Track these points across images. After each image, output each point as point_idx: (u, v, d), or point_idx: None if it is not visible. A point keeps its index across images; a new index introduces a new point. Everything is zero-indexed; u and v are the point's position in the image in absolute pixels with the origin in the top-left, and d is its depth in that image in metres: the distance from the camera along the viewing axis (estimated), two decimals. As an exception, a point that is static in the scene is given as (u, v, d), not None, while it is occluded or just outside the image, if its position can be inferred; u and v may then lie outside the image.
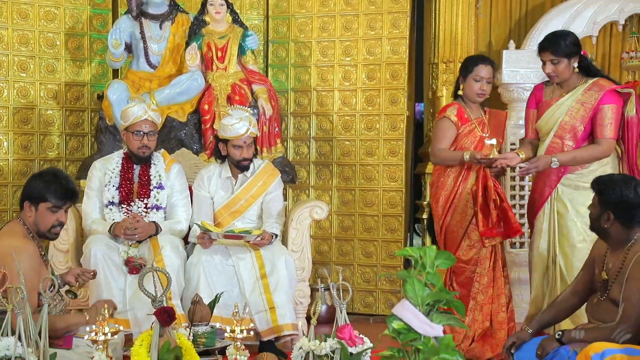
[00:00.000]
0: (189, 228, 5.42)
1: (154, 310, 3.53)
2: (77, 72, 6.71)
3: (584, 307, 4.24)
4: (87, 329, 3.62)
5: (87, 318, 3.97)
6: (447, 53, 6.76)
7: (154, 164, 5.40)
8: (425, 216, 7.31)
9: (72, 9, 6.65)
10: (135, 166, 5.39)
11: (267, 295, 5.16)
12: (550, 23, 6.65)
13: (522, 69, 6.55)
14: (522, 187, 6.60)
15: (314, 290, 5.64)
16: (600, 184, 3.93)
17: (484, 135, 5.23)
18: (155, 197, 5.33)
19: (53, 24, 6.59)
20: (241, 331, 3.73)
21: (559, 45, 4.88)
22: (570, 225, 4.92)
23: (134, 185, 5.35)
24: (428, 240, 7.34)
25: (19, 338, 3.27)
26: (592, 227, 4.02)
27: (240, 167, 5.45)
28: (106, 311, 3.61)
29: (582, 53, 4.97)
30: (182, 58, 6.30)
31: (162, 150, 5.61)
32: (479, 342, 5.17)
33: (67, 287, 4.39)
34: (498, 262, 5.25)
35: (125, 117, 5.36)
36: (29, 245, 4.02)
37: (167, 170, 5.42)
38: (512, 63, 6.58)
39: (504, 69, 6.62)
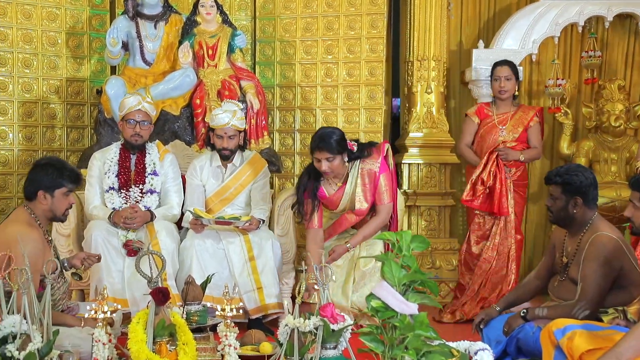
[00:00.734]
0: (182, 213, 5.41)
1: (150, 290, 3.52)
2: (78, 69, 6.67)
3: None
4: (87, 307, 3.62)
5: (82, 325, 3.99)
6: (421, 51, 6.75)
7: (149, 153, 5.40)
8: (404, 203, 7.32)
9: (72, 9, 6.60)
10: (131, 155, 5.38)
11: (255, 276, 5.16)
12: (516, 24, 6.66)
13: (490, 66, 6.54)
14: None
15: (298, 271, 5.64)
16: (561, 176, 3.94)
17: (500, 127, 5.75)
18: (150, 182, 5.33)
19: (55, 24, 6.54)
20: (231, 310, 3.73)
21: (330, 144, 5.05)
22: None
23: (131, 172, 5.35)
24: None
25: (24, 316, 3.26)
26: (557, 218, 4.02)
27: (221, 155, 5.44)
28: (106, 291, 3.60)
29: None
30: (175, 56, 6.27)
31: (157, 141, 5.60)
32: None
33: (72, 270, 4.39)
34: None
35: (122, 107, 5.37)
36: (33, 231, 4.00)
37: (161, 159, 5.42)
38: (481, 61, 6.58)
39: (474, 67, 6.64)
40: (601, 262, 3.74)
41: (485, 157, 5.64)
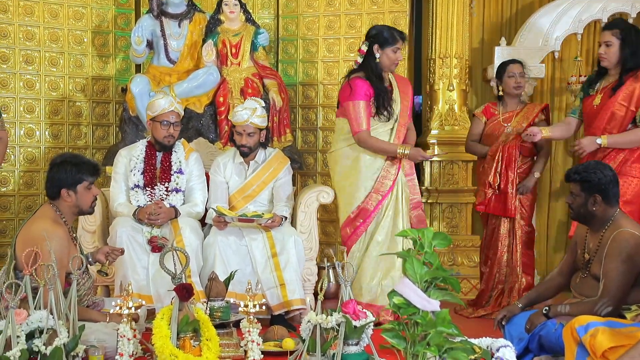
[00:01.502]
0: (206, 210, 5.43)
1: (174, 286, 3.54)
2: (103, 67, 6.71)
3: None
4: (113, 303, 3.64)
5: (107, 320, 4.02)
6: (443, 49, 6.72)
7: (175, 151, 5.41)
8: (424, 200, 7.29)
9: (98, 8, 6.64)
10: (157, 153, 5.39)
11: (278, 272, 5.16)
12: (539, 21, 6.61)
13: (512, 64, 6.53)
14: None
15: (320, 268, 5.63)
16: (580, 174, 3.91)
17: (505, 125, 5.75)
18: (175, 181, 5.34)
19: (81, 23, 6.58)
20: (254, 306, 3.74)
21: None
22: None
23: (157, 170, 5.36)
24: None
25: (51, 311, 3.28)
26: (577, 214, 3.99)
27: (241, 152, 5.45)
28: (130, 287, 3.62)
29: None
30: (199, 54, 6.28)
31: (182, 139, 5.61)
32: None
33: (98, 267, 4.41)
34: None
35: (153, 108, 5.35)
36: (58, 228, 4.03)
37: (186, 158, 5.43)
38: (504, 59, 6.53)
39: (496, 64, 6.59)
40: (623, 258, 3.72)
41: (494, 161, 5.63)
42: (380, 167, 5.26)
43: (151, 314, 4.54)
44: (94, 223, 5.42)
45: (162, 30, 6.27)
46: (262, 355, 3.83)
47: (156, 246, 5.06)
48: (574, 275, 4.14)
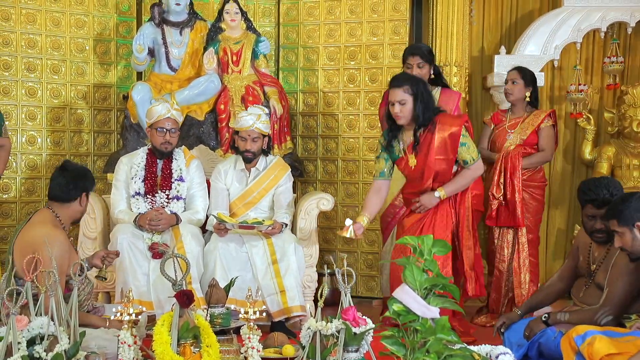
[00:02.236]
0: (206, 217, 5.43)
1: (175, 293, 3.54)
2: (105, 75, 6.71)
3: None
4: (113, 309, 3.64)
5: (107, 324, 4.04)
6: (443, 57, 6.71)
7: (176, 159, 5.42)
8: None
9: (100, 16, 6.65)
10: (158, 161, 5.40)
11: (278, 279, 5.16)
12: (539, 30, 6.63)
13: (512, 72, 6.55)
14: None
15: (320, 275, 5.64)
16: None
17: (509, 131, 5.78)
18: (176, 188, 5.35)
19: (83, 31, 6.59)
20: (254, 312, 3.74)
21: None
22: None
23: (157, 178, 5.37)
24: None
25: (52, 318, 3.28)
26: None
27: (244, 158, 5.46)
28: (131, 294, 3.62)
29: None
30: (200, 62, 6.30)
31: (183, 146, 5.62)
32: None
33: (96, 273, 4.43)
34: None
35: (150, 115, 5.38)
36: (59, 233, 4.06)
37: (187, 165, 5.44)
38: (503, 67, 6.55)
39: (496, 72, 6.62)
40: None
41: (496, 173, 5.64)
42: None
43: (152, 321, 4.54)
44: (95, 230, 5.43)
45: (164, 38, 6.28)
46: (262, 362, 3.83)
47: (157, 253, 5.06)
48: (575, 282, 4.14)
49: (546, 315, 3.87)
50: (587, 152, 6.77)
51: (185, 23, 6.37)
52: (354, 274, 3.34)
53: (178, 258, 3.80)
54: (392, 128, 4.93)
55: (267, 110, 5.58)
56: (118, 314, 3.58)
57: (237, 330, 4.06)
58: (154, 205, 5.28)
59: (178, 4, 6.25)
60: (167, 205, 5.29)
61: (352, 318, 3.17)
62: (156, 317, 4.60)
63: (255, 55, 6.30)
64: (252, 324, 3.73)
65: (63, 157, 6.45)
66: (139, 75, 6.71)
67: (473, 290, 4.98)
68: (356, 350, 3.22)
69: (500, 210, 5.65)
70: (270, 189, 5.51)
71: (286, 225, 5.37)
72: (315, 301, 3.98)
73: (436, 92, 5.55)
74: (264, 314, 4.15)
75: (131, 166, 5.39)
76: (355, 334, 3.16)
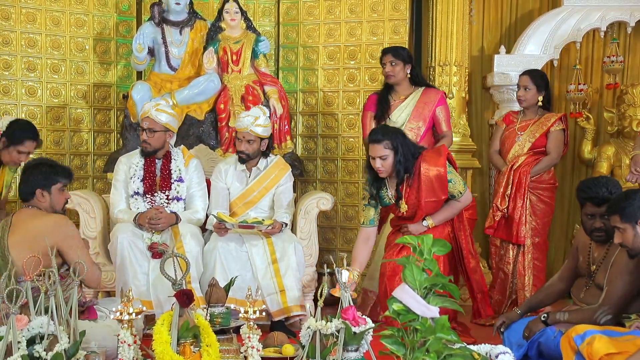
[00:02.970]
0: (206, 217, 5.43)
1: (175, 292, 3.54)
2: (104, 74, 6.72)
3: None
4: (113, 309, 3.64)
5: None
6: (443, 57, 6.72)
7: (174, 159, 5.41)
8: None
9: (100, 16, 6.65)
10: (157, 160, 5.39)
11: (278, 279, 5.17)
12: (538, 30, 6.63)
13: (512, 72, 6.54)
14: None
15: (320, 274, 5.64)
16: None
17: (519, 133, 5.76)
18: (175, 189, 5.34)
19: (82, 30, 6.59)
20: (254, 312, 3.74)
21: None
22: None
23: (157, 178, 5.36)
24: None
25: (52, 317, 3.28)
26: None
27: (239, 158, 5.46)
28: (131, 293, 3.62)
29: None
30: (200, 61, 6.30)
31: (182, 146, 5.62)
32: None
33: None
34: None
35: (141, 111, 5.40)
36: (60, 216, 4.24)
37: (186, 165, 5.43)
38: (503, 67, 6.57)
39: (495, 72, 6.62)
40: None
41: (504, 184, 5.64)
42: None
43: (151, 320, 4.54)
44: (95, 229, 5.44)
45: (164, 37, 6.29)
46: (262, 362, 3.83)
47: (156, 252, 5.06)
48: (576, 282, 4.14)
49: (545, 315, 3.87)
50: (587, 151, 6.77)
51: (185, 22, 6.37)
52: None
53: (178, 257, 3.80)
54: (376, 179, 4.92)
55: (268, 113, 5.57)
56: (117, 314, 3.58)
57: (237, 330, 4.06)
58: (154, 205, 5.27)
59: (178, 4, 6.26)
60: (167, 206, 5.28)
61: (351, 317, 3.17)
62: (156, 317, 4.60)
63: (255, 54, 6.30)
64: (251, 323, 3.73)
65: (63, 156, 6.47)
66: (139, 75, 6.71)
67: (486, 312, 5.11)
68: (356, 350, 3.22)
69: (501, 222, 5.65)
70: (271, 188, 5.51)
71: (286, 224, 5.38)
72: (315, 301, 3.98)
73: (417, 92, 5.72)
74: (264, 314, 4.15)
75: (130, 166, 5.38)
76: (355, 333, 3.16)
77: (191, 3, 6.40)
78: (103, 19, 6.68)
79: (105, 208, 5.55)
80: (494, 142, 5.99)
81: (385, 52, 5.81)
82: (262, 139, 5.43)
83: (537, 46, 6.61)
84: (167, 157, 5.40)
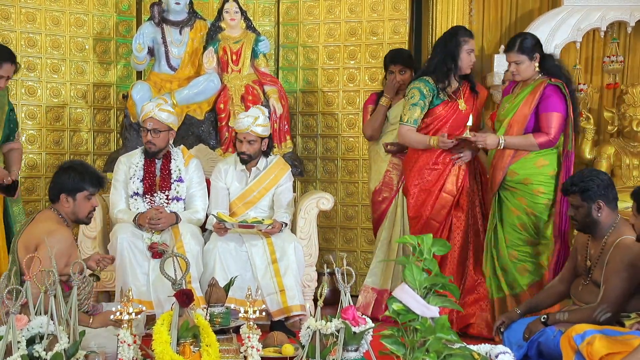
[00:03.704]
0: (206, 216, 5.43)
1: (174, 292, 3.54)
2: (104, 74, 6.72)
3: None
4: (113, 308, 3.64)
5: (91, 321, 4.04)
6: (443, 57, 6.72)
7: (174, 159, 5.40)
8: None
9: (99, 15, 6.66)
10: (157, 160, 5.39)
11: (278, 278, 5.17)
12: (538, 29, 6.60)
13: (512, 71, 6.54)
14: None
15: (320, 274, 5.64)
16: (577, 185, 3.93)
17: None
18: (175, 189, 5.33)
19: (82, 30, 6.60)
20: (254, 312, 3.74)
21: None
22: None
23: (156, 178, 5.35)
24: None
25: (51, 317, 3.28)
26: (583, 225, 3.99)
27: (240, 159, 5.46)
28: (131, 293, 3.62)
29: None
30: (200, 61, 6.30)
31: (182, 146, 5.62)
32: None
33: (89, 272, 4.43)
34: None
35: (141, 111, 5.39)
36: (63, 229, 4.09)
37: (186, 165, 5.43)
38: (503, 66, 6.51)
39: (495, 72, 6.61)
40: (625, 265, 3.72)
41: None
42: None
43: (151, 320, 4.54)
44: (95, 229, 5.43)
45: (163, 37, 6.28)
46: (262, 361, 3.84)
47: (156, 252, 5.06)
48: (574, 281, 4.15)
49: (545, 316, 3.88)
50: (587, 151, 6.76)
51: (185, 22, 6.37)
52: (353, 273, 3.35)
53: (178, 257, 3.80)
54: (440, 79, 5.23)
55: (267, 112, 5.57)
56: (117, 314, 3.59)
57: (236, 330, 4.07)
58: (153, 206, 5.27)
59: (178, 3, 6.26)
60: (166, 206, 5.28)
61: (351, 317, 3.17)
62: (156, 317, 4.60)
63: (255, 54, 6.30)
64: (251, 323, 3.73)
65: (63, 156, 6.47)
66: (139, 75, 6.71)
67: None
68: (356, 350, 3.22)
69: None
70: (271, 188, 5.51)
71: (286, 224, 5.38)
72: (315, 300, 3.98)
73: None
74: (264, 313, 4.16)
75: (130, 166, 5.37)
76: (354, 333, 3.16)
77: (191, 3, 6.40)
78: (103, 18, 6.68)
79: (105, 208, 5.55)
80: None
81: (394, 61, 5.86)
82: (262, 138, 5.44)
83: (537, 46, 6.60)
84: (167, 157, 5.40)
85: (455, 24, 6.60)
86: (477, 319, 5.10)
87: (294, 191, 5.82)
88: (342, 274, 3.32)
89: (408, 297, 2.85)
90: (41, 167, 6.44)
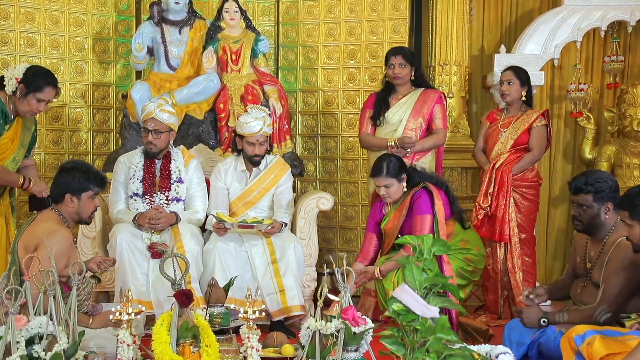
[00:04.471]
0: (206, 216, 5.43)
1: (174, 292, 3.54)
2: (104, 74, 6.72)
3: None
4: (113, 308, 3.64)
5: (90, 322, 4.05)
6: (443, 56, 6.74)
7: (174, 159, 5.40)
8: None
9: (99, 15, 6.66)
10: (157, 161, 5.38)
11: (278, 278, 5.16)
12: (539, 29, 6.62)
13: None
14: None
15: (320, 274, 5.64)
16: (592, 185, 3.90)
17: (502, 130, 5.76)
18: (175, 190, 5.33)
19: (82, 29, 6.60)
20: (253, 312, 3.74)
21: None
22: None
23: (156, 178, 5.35)
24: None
25: (51, 317, 3.28)
26: (589, 226, 3.98)
27: (252, 162, 5.46)
28: (130, 293, 3.62)
29: None
30: (199, 61, 6.30)
31: (182, 146, 5.61)
32: None
33: (90, 273, 4.43)
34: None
35: (142, 112, 5.38)
36: (63, 230, 4.10)
37: (186, 165, 5.42)
38: (503, 66, 6.52)
39: (496, 72, 6.61)
40: (625, 265, 3.72)
41: (486, 182, 5.66)
42: None
43: (151, 320, 4.54)
44: (94, 229, 5.43)
45: (163, 37, 6.28)
46: (262, 362, 3.84)
47: (156, 252, 5.06)
48: (574, 282, 4.15)
49: (545, 320, 3.87)
50: (588, 151, 6.77)
51: (185, 22, 6.37)
52: (353, 273, 3.35)
53: (177, 257, 3.80)
54: None
55: (268, 111, 5.58)
56: (117, 314, 3.58)
57: (236, 330, 4.06)
58: (153, 206, 5.26)
59: (177, 3, 6.26)
60: (166, 207, 5.27)
61: (351, 317, 3.17)
62: (155, 317, 4.60)
63: (254, 54, 6.30)
64: (251, 323, 3.73)
65: (62, 156, 6.47)
66: (138, 74, 6.71)
67: None
68: (356, 350, 3.22)
69: (484, 221, 5.66)
70: (270, 188, 5.51)
71: (286, 224, 5.38)
72: (315, 300, 3.99)
73: (417, 92, 5.68)
74: (264, 314, 4.15)
75: (130, 166, 5.37)
76: (354, 333, 3.16)
77: (190, 2, 6.40)
78: (102, 18, 6.68)
79: (104, 208, 5.54)
80: (478, 140, 5.98)
81: (395, 53, 5.70)
82: (267, 137, 5.50)
83: (537, 45, 6.61)
84: (167, 158, 5.39)
85: (455, 24, 6.64)
86: None
87: (294, 191, 5.82)
88: (342, 274, 3.32)
89: (408, 297, 2.85)
90: (40, 167, 6.42)
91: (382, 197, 5.10)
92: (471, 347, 3.16)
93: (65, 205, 4.20)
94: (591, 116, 6.74)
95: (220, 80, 6.21)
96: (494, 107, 6.80)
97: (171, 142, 5.45)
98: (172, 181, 5.33)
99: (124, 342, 3.46)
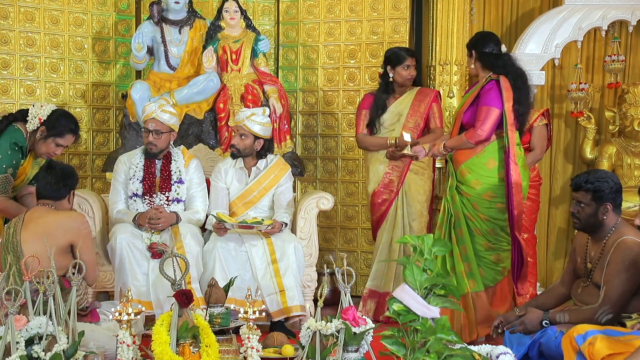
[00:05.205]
0: (206, 216, 5.43)
1: (174, 292, 3.54)
2: (103, 73, 6.72)
3: None
4: (112, 309, 3.64)
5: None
6: (444, 56, 6.72)
7: (174, 160, 5.40)
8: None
9: (98, 15, 6.66)
10: (157, 161, 5.38)
11: (278, 279, 5.16)
12: (539, 29, 6.62)
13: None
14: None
15: (320, 274, 5.64)
16: (592, 183, 3.90)
17: None
18: (175, 190, 5.32)
19: (81, 29, 6.59)
20: (253, 312, 3.74)
21: None
22: None
23: (156, 179, 5.35)
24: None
25: (50, 317, 3.28)
26: (586, 224, 3.98)
27: (230, 153, 5.51)
28: (130, 293, 3.62)
29: None
30: (199, 60, 6.30)
31: (182, 146, 5.61)
32: None
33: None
34: None
35: (143, 112, 5.38)
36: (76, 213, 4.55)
37: (186, 166, 5.42)
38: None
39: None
40: (626, 266, 3.72)
41: None
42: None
43: (151, 320, 4.55)
44: (94, 229, 5.43)
45: (163, 36, 6.28)
46: (262, 362, 3.84)
47: (156, 252, 5.06)
48: (575, 282, 4.14)
49: (547, 322, 3.87)
50: (588, 151, 6.76)
51: (185, 21, 6.37)
52: (353, 273, 3.35)
53: (177, 258, 3.80)
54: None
55: (267, 112, 5.58)
56: (117, 314, 3.59)
57: (236, 330, 4.07)
58: (153, 206, 5.26)
59: (177, 2, 6.25)
60: (166, 207, 5.27)
61: (351, 318, 3.17)
62: (155, 317, 4.60)
63: (254, 53, 6.29)
64: (251, 323, 3.73)
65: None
66: (138, 74, 6.71)
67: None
68: (356, 350, 3.23)
69: None
70: (270, 188, 5.51)
71: (286, 224, 5.38)
72: (315, 301, 3.99)
73: (413, 90, 5.78)
74: (264, 314, 4.16)
75: (130, 166, 5.37)
76: (355, 333, 3.16)
77: (190, 2, 6.40)
78: (102, 17, 6.68)
79: (104, 208, 5.55)
80: None
81: (411, 54, 5.84)
82: (256, 137, 5.43)
83: (538, 45, 6.59)
84: (168, 158, 5.39)
85: (455, 23, 6.62)
86: None
87: (294, 191, 5.82)
88: (342, 274, 3.32)
89: (408, 297, 2.85)
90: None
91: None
92: (472, 347, 3.16)
93: (66, 202, 4.48)
94: (592, 116, 6.73)
95: (220, 80, 6.21)
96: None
97: (172, 143, 5.46)
98: (172, 182, 5.33)
99: (123, 342, 3.46)
